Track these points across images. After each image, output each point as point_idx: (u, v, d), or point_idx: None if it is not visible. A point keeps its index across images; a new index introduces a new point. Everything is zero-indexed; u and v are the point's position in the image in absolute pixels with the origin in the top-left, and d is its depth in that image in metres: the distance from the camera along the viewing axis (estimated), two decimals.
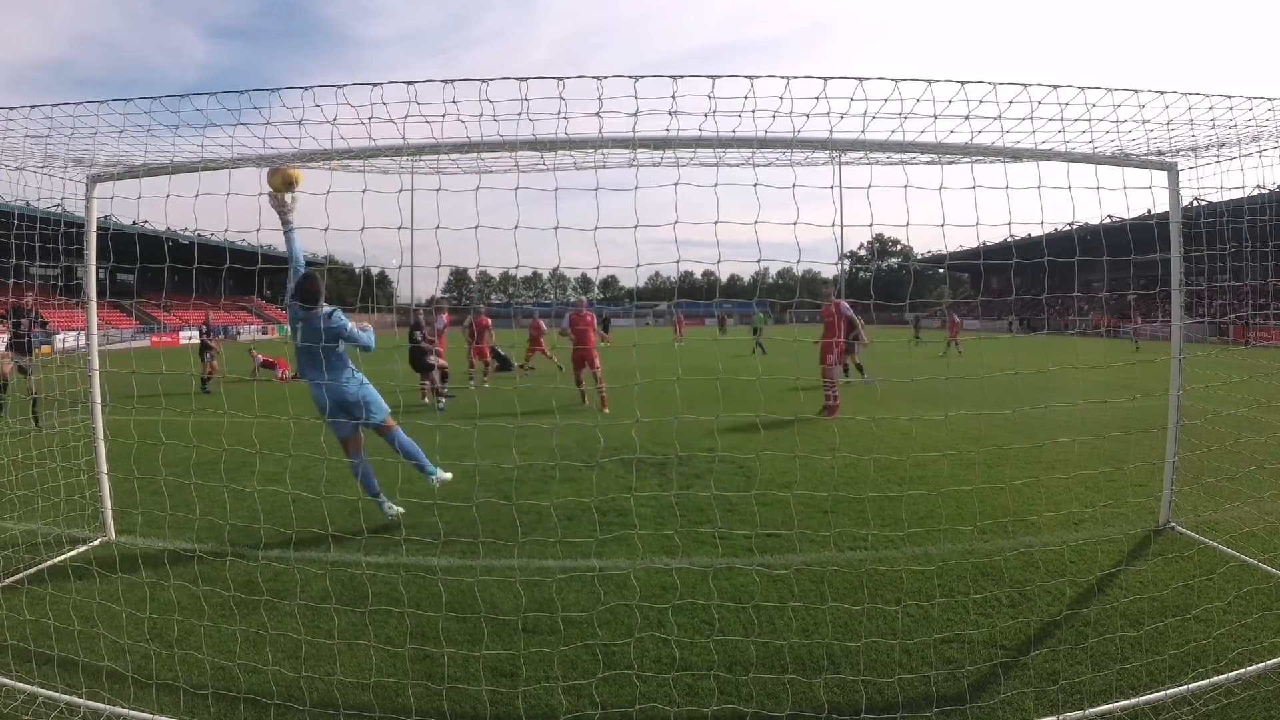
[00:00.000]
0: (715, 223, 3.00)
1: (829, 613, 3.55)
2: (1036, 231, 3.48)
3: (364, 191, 3.51)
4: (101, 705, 2.82)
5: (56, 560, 4.28)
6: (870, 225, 3.31)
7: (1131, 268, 4.46)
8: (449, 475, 5.16)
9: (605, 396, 10.53)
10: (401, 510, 4.92)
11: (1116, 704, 2.78)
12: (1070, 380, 11.72)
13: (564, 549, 4.50)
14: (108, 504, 4.67)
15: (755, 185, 3.21)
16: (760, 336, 23.41)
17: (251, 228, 3.68)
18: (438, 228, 3.10)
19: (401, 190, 3.62)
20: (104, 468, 4.53)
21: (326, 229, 3.22)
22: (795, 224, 3.03)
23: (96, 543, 4.60)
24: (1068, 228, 3.81)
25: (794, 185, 3.17)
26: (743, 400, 10.35)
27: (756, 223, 3.05)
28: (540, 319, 17.72)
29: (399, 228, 3.18)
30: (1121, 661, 3.08)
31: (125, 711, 2.80)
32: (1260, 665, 3.00)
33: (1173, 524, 4.75)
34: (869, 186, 3.35)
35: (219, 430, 4.97)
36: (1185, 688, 2.85)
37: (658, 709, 2.83)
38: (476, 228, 2.98)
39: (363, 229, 3.19)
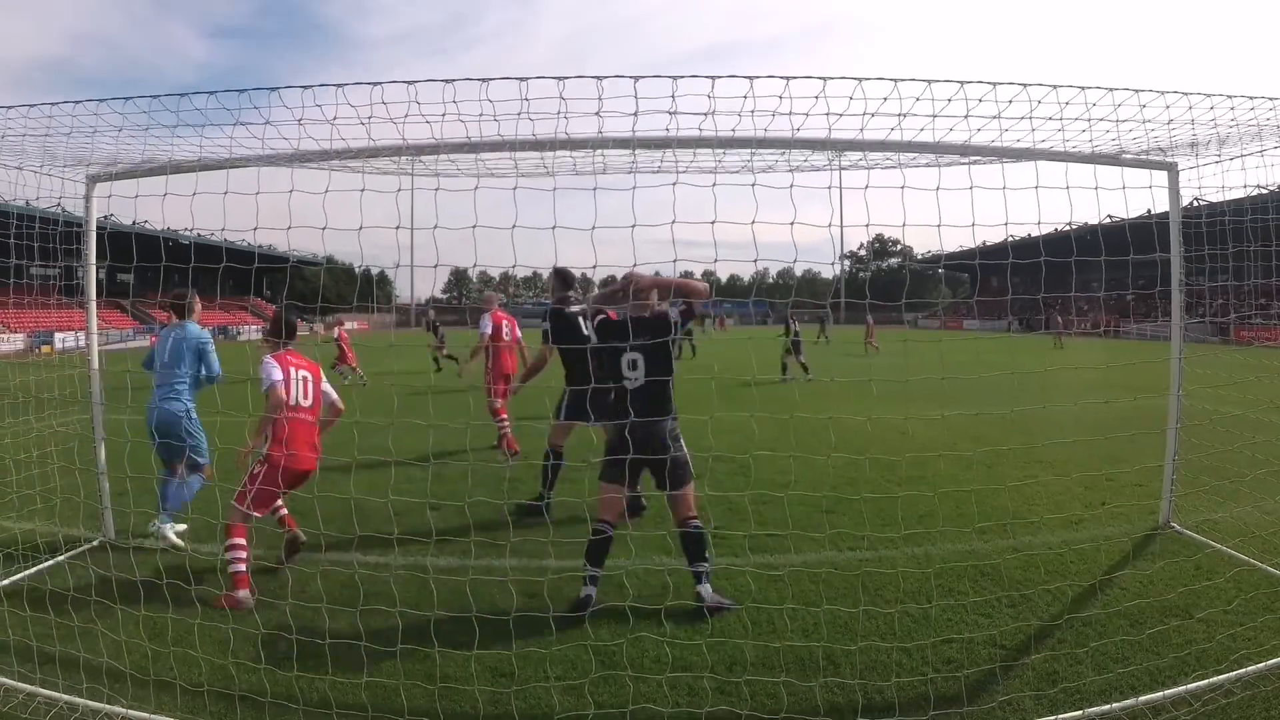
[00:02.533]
0: (712, 223, 3.00)
1: (826, 614, 3.53)
2: (1035, 231, 3.47)
3: (363, 191, 3.50)
4: (100, 704, 2.82)
5: (56, 560, 4.27)
6: (867, 226, 3.31)
7: (1131, 268, 4.43)
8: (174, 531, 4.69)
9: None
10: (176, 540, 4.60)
11: (1115, 704, 2.77)
12: (1066, 379, 11.70)
13: (559, 549, 4.48)
14: (107, 503, 4.66)
15: (753, 185, 3.22)
16: (691, 339, 21.56)
17: (249, 227, 3.67)
18: (435, 227, 3.09)
19: (400, 190, 3.61)
20: (103, 467, 4.53)
21: (325, 228, 3.22)
22: (792, 224, 3.03)
23: (95, 543, 4.60)
24: (1067, 228, 3.80)
25: (791, 186, 3.17)
26: (739, 400, 10.33)
27: (754, 223, 3.06)
28: (342, 322, 14.32)
29: (398, 227, 3.18)
30: (1122, 663, 3.08)
31: (123, 710, 2.80)
32: (1259, 665, 2.99)
33: (1173, 524, 4.74)
34: (866, 188, 3.35)
35: (213, 429, 4.96)
36: (1184, 688, 2.84)
37: (653, 709, 2.82)
38: (474, 227, 2.98)
39: (360, 228, 3.19)
